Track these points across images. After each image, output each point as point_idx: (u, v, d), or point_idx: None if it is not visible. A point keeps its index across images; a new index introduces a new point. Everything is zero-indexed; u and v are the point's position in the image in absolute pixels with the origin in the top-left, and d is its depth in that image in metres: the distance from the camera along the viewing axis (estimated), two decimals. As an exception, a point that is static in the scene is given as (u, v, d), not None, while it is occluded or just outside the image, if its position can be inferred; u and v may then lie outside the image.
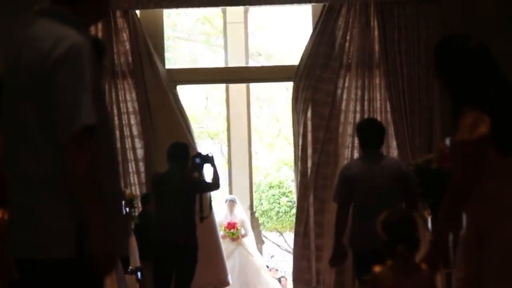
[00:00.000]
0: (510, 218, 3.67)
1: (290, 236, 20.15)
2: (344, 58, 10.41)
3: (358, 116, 10.30)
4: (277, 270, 18.72)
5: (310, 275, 10.50)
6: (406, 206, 6.81)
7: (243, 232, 12.48)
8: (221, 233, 12.41)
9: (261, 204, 19.14)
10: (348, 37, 10.35)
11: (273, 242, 21.37)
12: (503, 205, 3.69)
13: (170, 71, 11.20)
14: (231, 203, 12.65)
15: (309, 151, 10.50)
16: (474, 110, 3.67)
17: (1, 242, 2.97)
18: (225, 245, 12.35)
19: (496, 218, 3.67)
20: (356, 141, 10.01)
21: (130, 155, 10.21)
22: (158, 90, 10.32)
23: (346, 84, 10.41)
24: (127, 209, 8.30)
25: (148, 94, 10.27)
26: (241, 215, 12.69)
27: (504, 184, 3.70)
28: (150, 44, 10.35)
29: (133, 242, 7.54)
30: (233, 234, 12.41)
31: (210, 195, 9.22)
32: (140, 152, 10.27)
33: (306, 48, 10.57)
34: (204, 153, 8.78)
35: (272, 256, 21.63)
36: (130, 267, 6.85)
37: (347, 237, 7.21)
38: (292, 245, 13.83)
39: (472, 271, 3.67)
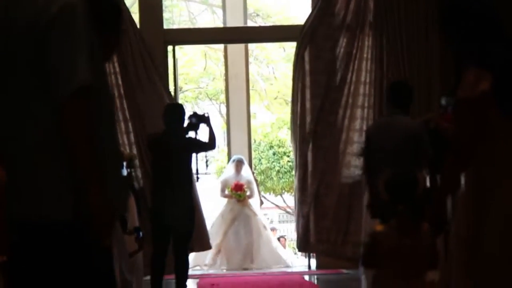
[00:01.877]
0: (510, 178, 3.65)
1: (289, 197, 20.19)
2: (347, 17, 10.36)
3: (373, 75, 10.28)
4: (276, 229, 18.80)
5: (309, 233, 10.55)
6: (416, 167, 6.85)
7: (248, 193, 12.46)
8: (226, 192, 12.42)
9: (261, 163, 19.13)
10: None
11: (272, 203, 21.42)
12: (504, 164, 3.66)
13: (168, 31, 11.14)
14: (239, 163, 12.59)
15: (308, 105, 10.51)
16: (476, 67, 3.63)
17: (0, 205, 2.94)
18: (231, 206, 12.38)
19: (497, 177, 3.64)
20: (372, 100, 10.15)
21: (119, 115, 10.22)
22: (135, 51, 10.35)
23: (360, 44, 10.37)
24: (129, 170, 8.30)
25: (125, 55, 10.27)
26: (248, 175, 12.67)
27: (506, 142, 3.67)
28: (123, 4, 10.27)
29: (132, 202, 7.53)
30: (239, 196, 12.33)
31: (206, 155, 9.22)
32: (128, 113, 10.32)
33: (312, 6, 10.51)
34: (200, 113, 8.77)
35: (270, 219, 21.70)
36: (127, 227, 6.83)
37: None
38: (291, 205, 13.86)
39: (473, 229, 3.65)
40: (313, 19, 10.46)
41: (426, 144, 6.98)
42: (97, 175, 2.83)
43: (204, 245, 10.58)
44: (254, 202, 12.61)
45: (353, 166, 10.31)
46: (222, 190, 12.51)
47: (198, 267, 12.04)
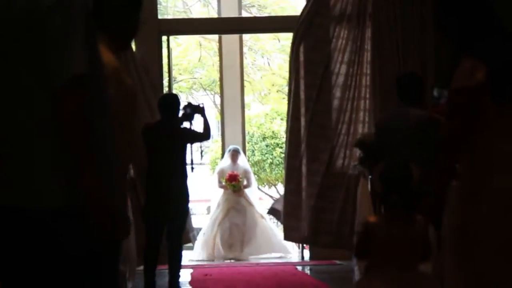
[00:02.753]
0: (504, 170, 3.64)
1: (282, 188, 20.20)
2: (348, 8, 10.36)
3: (374, 66, 10.27)
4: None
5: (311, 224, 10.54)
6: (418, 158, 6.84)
7: (245, 183, 12.43)
8: (223, 183, 12.39)
9: (254, 155, 19.13)
10: None
11: (266, 194, 21.44)
12: (497, 156, 3.66)
13: (163, 21, 11.12)
14: (234, 153, 12.55)
15: (302, 96, 10.51)
16: (472, 58, 3.63)
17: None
18: (226, 196, 12.35)
19: (491, 169, 3.64)
20: (373, 92, 10.16)
21: None
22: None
23: (361, 35, 10.36)
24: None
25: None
26: (245, 165, 12.64)
27: (499, 135, 3.67)
28: None
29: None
30: (234, 186, 12.29)
31: (200, 145, 9.21)
32: None
33: None
34: (195, 103, 8.77)
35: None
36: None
37: None
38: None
39: (466, 221, 3.66)
40: (309, 9, 10.44)
41: (428, 135, 6.97)
42: (90, 163, 2.83)
43: (186, 239, 10.53)
44: (251, 192, 12.58)
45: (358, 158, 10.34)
46: (219, 181, 12.48)
47: (202, 260, 12.02)
